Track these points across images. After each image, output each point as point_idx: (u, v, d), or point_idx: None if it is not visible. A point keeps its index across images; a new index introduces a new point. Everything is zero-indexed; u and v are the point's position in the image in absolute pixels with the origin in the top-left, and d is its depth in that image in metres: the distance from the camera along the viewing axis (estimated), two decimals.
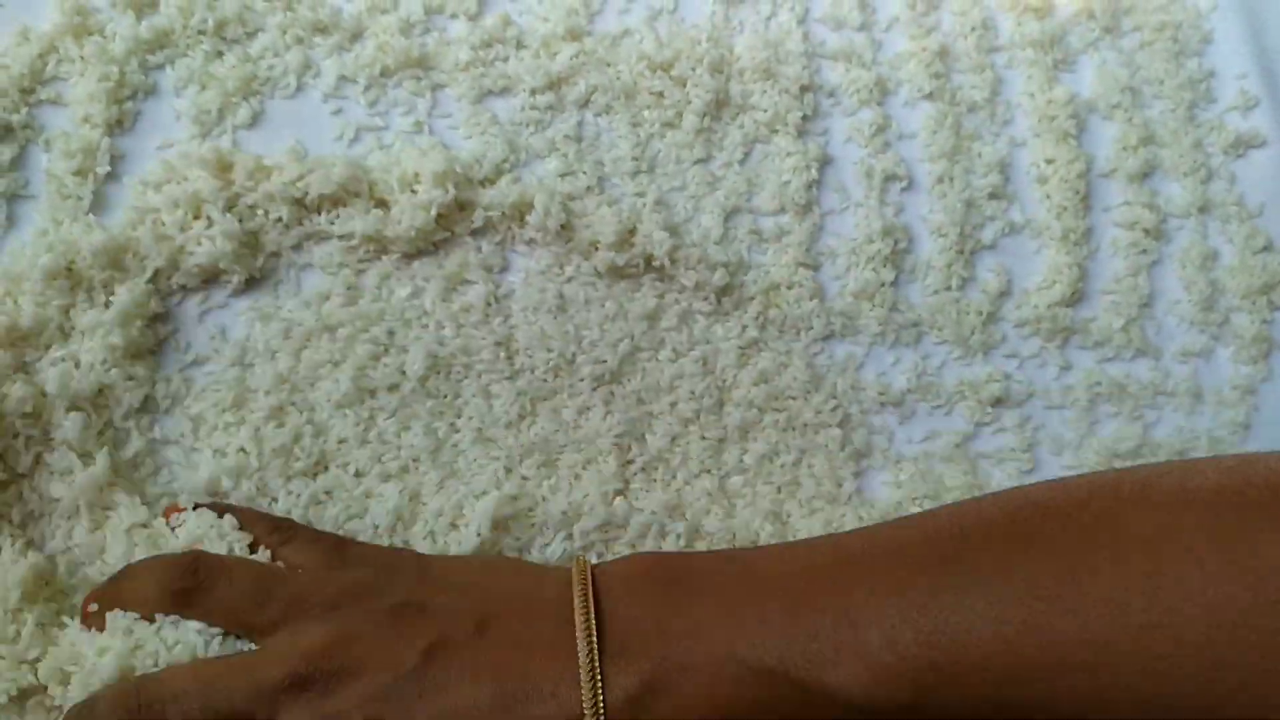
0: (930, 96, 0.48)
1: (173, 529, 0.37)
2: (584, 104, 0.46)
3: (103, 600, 0.35)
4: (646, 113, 0.46)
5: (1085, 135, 0.49)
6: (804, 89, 0.47)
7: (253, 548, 0.36)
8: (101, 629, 0.34)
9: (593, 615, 0.33)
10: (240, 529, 0.36)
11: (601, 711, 0.31)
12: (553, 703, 0.32)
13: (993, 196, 0.48)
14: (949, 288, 0.46)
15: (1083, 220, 0.48)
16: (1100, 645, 0.29)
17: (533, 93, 0.46)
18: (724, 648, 0.32)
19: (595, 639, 0.32)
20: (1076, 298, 0.47)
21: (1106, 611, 0.29)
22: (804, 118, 0.47)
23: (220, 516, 0.37)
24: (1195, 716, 0.29)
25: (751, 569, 0.34)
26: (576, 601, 0.33)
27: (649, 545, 0.40)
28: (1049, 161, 0.48)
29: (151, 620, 0.34)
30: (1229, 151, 0.50)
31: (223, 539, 0.36)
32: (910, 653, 0.30)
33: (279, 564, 0.36)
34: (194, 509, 0.37)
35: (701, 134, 0.46)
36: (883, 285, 0.46)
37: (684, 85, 0.47)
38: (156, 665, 0.33)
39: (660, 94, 0.47)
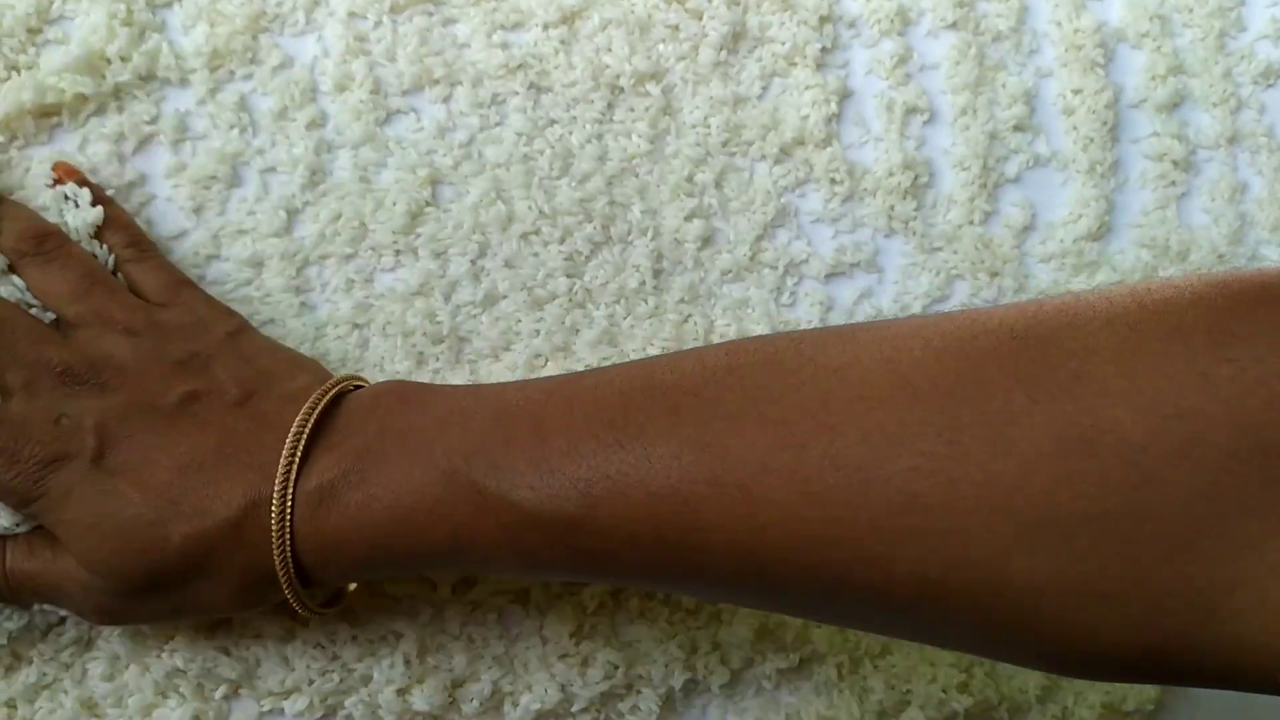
0: (953, 26, 0.47)
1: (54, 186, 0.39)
2: (598, 38, 0.45)
3: None
4: (661, 47, 0.45)
5: (1113, 65, 0.48)
6: (823, 20, 0.46)
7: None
8: None
9: (319, 408, 0.34)
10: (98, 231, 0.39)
11: (290, 491, 0.32)
12: (253, 471, 0.33)
13: (1017, 129, 0.46)
14: (971, 222, 0.45)
15: (1110, 152, 0.47)
16: (758, 467, 0.29)
17: (545, 27, 0.45)
18: (421, 445, 0.32)
19: (308, 425, 0.33)
20: (1103, 231, 0.46)
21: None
22: (823, 50, 0.46)
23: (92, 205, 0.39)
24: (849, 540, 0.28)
25: (481, 392, 0.34)
26: (314, 395, 0.34)
27: None
28: (1076, 92, 0.47)
29: None
30: (1259, 81, 0.48)
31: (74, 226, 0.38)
32: (587, 462, 0.30)
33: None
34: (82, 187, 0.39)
35: (718, 68, 0.45)
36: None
37: (700, 18, 0.46)
38: None
39: (675, 27, 0.45)
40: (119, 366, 0.35)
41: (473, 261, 0.42)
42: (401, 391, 0.35)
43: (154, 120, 0.42)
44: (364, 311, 0.41)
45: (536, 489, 0.31)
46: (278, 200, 0.42)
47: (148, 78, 0.42)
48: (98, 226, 0.39)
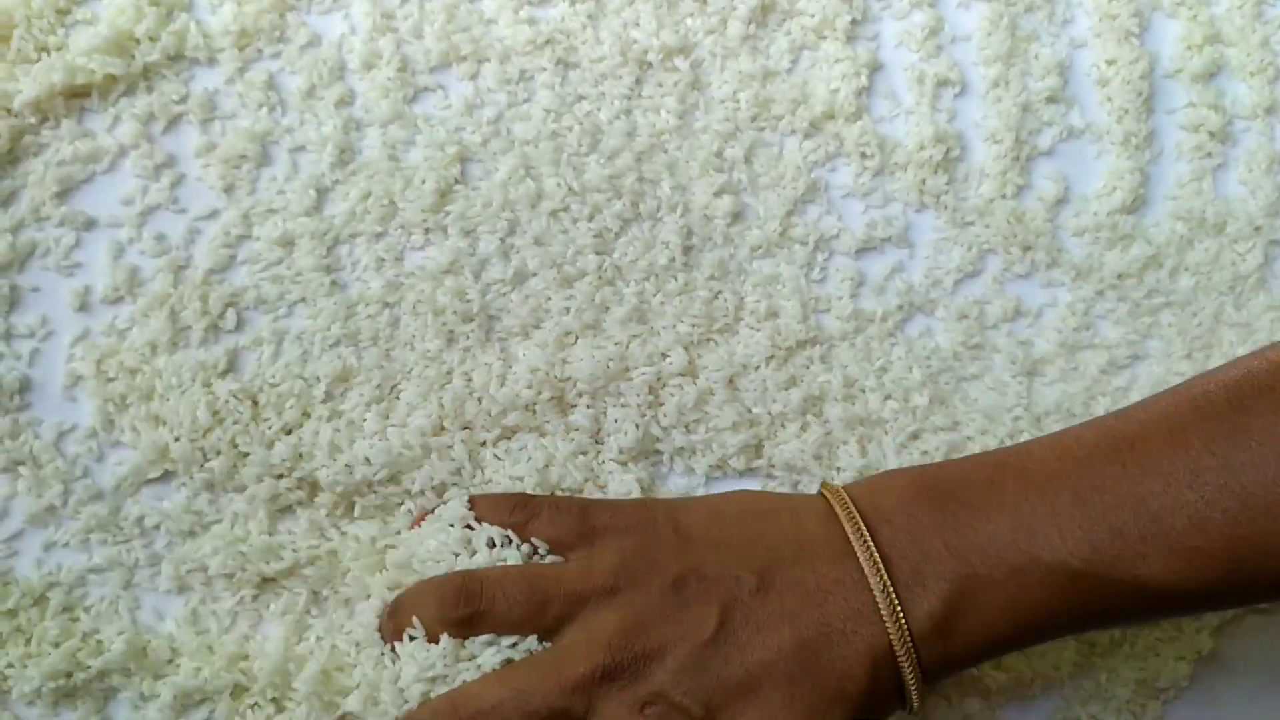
0: None
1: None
2: (625, 13, 0.45)
3: (388, 632, 0.36)
4: (689, 21, 0.45)
5: (1148, 34, 0.47)
6: None
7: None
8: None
9: (874, 549, 0.33)
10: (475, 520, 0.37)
11: (909, 640, 0.33)
12: (856, 639, 0.33)
13: (1050, 100, 0.46)
14: (1004, 195, 0.45)
15: (1145, 123, 0.46)
16: None
17: (572, 2, 0.45)
18: (1024, 557, 0.33)
19: (885, 579, 0.33)
20: (1138, 204, 0.45)
21: None
22: (853, 22, 0.46)
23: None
24: None
25: (1025, 472, 0.34)
26: (853, 538, 0.34)
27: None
28: (1110, 62, 0.46)
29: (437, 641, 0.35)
30: None
31: (465, 542, 0.37)
32: (1219, 532, 0.31)
33: (536, 549, 0.36)
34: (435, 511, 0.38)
35: (747, 41, 0.45)
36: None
37: None
38: (456, 683, 0.34)
39: (703, 1, 0.45)
40: (639, 629, 0.33)
41: (502, 239, 0.42)
42: (922, 494, 0.34)
43: (183, 100, 0.42)
44: (394, 290, 0.41)
45: (1179, 572, 0.32)
46: (307, 179, 0.42)
47: (176, 57, 0.42)
48: (469, 510, 0.37)
